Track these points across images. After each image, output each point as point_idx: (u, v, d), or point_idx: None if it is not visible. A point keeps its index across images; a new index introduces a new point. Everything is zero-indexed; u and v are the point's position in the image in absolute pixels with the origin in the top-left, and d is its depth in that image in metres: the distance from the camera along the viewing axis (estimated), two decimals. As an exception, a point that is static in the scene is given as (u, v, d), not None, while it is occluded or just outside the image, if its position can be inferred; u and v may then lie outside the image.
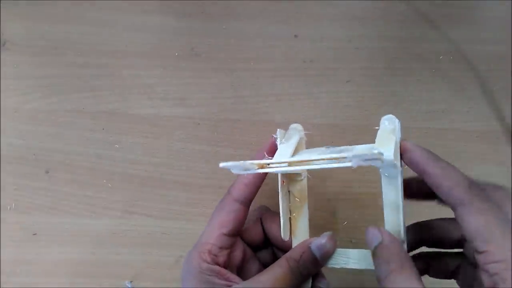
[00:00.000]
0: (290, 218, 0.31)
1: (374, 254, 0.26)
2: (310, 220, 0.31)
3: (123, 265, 0.39)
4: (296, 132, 0.32)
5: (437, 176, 0.25)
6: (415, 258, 0.30)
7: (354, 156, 0.23)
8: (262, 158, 0.29)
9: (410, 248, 0.29)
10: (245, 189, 0.30)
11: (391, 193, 0.27)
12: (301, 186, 0.31)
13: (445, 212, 0.29)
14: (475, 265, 0.27)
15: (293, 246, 0.30)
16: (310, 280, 0.30)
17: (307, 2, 0.46)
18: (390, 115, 0.28)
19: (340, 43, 0.44)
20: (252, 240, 0.32)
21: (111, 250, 0.40)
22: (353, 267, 0.29)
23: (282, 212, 0.30)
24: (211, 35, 0.45)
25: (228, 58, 0.44)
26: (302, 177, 0.31)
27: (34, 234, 0.40)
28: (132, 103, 0.43)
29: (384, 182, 0.27)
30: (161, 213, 0.40)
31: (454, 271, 0.30)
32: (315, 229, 0.31)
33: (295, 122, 0.33)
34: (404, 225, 0.27)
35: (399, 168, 0.26)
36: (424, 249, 0.31)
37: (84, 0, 0.46)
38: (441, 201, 0.29)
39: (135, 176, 0.41)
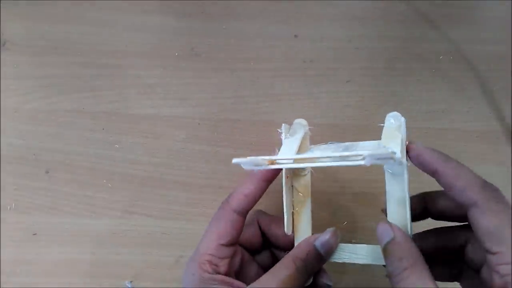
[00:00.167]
0: (292, 212, 0.31)
1: (385, 250, 0.25)
2: (310, 220, 0.31)
3: (123, 265, 0.39)
4: (301, 127, 0.32)
5: (449, 176, 0.25)
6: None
7: (368, 155, 0.23)
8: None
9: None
10: (245, 200, 0.29)
11: (397, 190, 0.27)
12: (305, 181, 0.31)
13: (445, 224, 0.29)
14: (477, 270, 0.27)
15: (295, 242, 0.30)
16: (312, 276, 0.30)
17: (307, 2, 0.46)
18: (396, 113, 0.28)
19: (340, 43, 0.44)
20: (250, 243, 0.32)
21: (111, 250, 0.39)
22: (356, 262, 0.29)
23: (286, 206, 0.30)
24: (211, 35, 0.45)
25: (228, 58, 0.44)
26: (306, 172, 0.31)
27: (34, 234, 0.40)
28: (132, 103, 0.43)
29: (388, 179, 0.27)
30: (161, 213, 0.40)
31: (457, 274, 0.30)
32: (315, 229, 0.31)
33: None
34: (410, 221, 0.27)
35: (405, 165, 0.26)
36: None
37: (84, 0, 0.46)
38: (435, 218, 0.29)
39: (135, 176, 0.41)
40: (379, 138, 0.27)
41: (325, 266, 0.30)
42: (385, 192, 0.27)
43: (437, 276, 0.30)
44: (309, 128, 0.32)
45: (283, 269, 0.27)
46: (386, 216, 0.28)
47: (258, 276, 0.27)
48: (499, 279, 0.22)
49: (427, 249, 0.29)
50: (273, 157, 0.27)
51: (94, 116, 0.43)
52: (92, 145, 0.42)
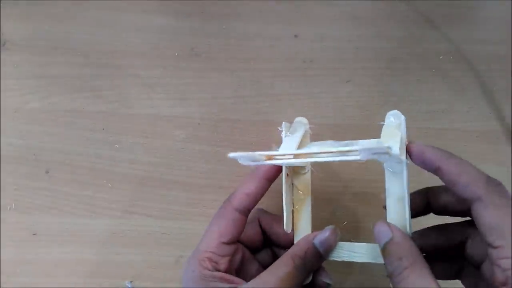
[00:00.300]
0: (292, 210, 0.31)
1: (384, 250, 0.26)
2: (309, 220, 0.31)
3: (123, 265, 0.39)
4: (301, 125, 0.32)
5: (452, 173, 0.25)
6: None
7: (363, 150, 0.23)
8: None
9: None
10: (246, 199, 0.29)
11: (396, 188, 0.27)
12: (305, 179, 0.31)
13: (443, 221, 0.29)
14: (478, 266, 0.27)
15: (295, 240, 0.30)
16: (311, 274, 0.30)
17: (307, 2, 0.46)
18: (396, 111, 0.28)
19: (340, 43, 0.44)
20: (251, 241, 0.32)
21: (111, 250, 0.39)
22: (355, 260, 0.29)
23: (286, 204, 0.30)
24: (211, 35, 0.45)
25: (228, 58, 0.44)
26: (306, 170, 0.31)
27: (34, 234, 0.40)
28: (132, 103, 0.43)
29: (388, 177, 0.27)
30: (161, 213, 0.40)
31: (458, 271, 0.30)
32: (315, 229, 0.30)
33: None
34: (410, 219, 0.27)
35: (405, 162, 0.26)
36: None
37: (84, 0, 0.46)
38: (437, 213, 0.29)
39: (135, 176, 0.41)
40: (379, 138, 0.27)
41: (326, 266, 0.30)
42: (384, 190, 0.28)
43: (438, 274, 0.30)
44: (310, 127, 0.32)
45: (282, 266, 0.27)
46: (386, 214, 0.28)
47: (259, 274, 0.27)
48: (501, 273, 0.22)
49: (428, 246, 0.29)
50: (271, 153, 0.27)
51: (94, 116, 0.43)
52: (92, 145, 0.42)
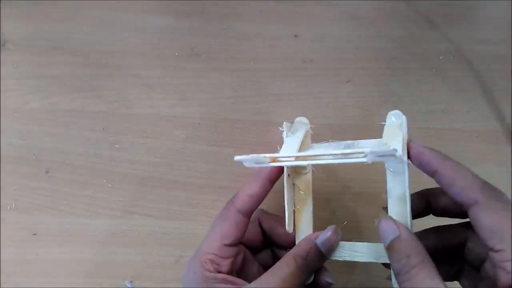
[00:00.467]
0: (294, 210, 0.31)
1: (391, 248, 0.25)
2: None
3: (123, 265, 0.39)
4: (302, 125, 0.32)
5: (448, 176, 0.25)
6: None
7: (370, 153, 0.23)
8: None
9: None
10: (249, 201, 0.29)
11: (398, 187, 0.27)
12: (306, 179, 0.31)
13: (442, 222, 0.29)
14: (477, 267, 0.27)
15: (296, 239, 0.30)
16: (313, 274, 0.30)
17: (307, 2, 0.46)
18: (397, 111, 0.28)
19: (340, 43, 0.44)
20: (251, 242, 0.32)
21: (111, 250, 0.39)
22: (356, 260, 0.29)
23: (287, 204, 0.30)
24: (211, 35, 0.45)
25: (228, 58, 0.44)
26: (307, 170, 0.31)
27: (34, 234, 0.40)
28: (132, 103, 0.43)
29: (389, 177, 0.27)
30: (161, 213, 0.40)
31: (458, 273, 0.30)
32: (315, 229, 0.30)
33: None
34: (411, 219, 0.27)
35: (406, 163, 0.27)
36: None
37: (84, 0, 0.46)
38: (437, 214, 0.29)
39: (135, 176, 0.41)
40: (380, 137, 0.27)
41: (328, 266, 0.30)
42: (385, 190, 0.28)
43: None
44: (311, 127, 0.32)
45: (284, 267, 0.27)
46: (387, 213, 0.28)
47: (259, 274, 0.27)
48: (505, 275, 0.22)
49: (428, 248, 0.29)
50: (275, 155, 0.27)
51: (94, 116, 0.43)
52: (92, 145, 0.42)
